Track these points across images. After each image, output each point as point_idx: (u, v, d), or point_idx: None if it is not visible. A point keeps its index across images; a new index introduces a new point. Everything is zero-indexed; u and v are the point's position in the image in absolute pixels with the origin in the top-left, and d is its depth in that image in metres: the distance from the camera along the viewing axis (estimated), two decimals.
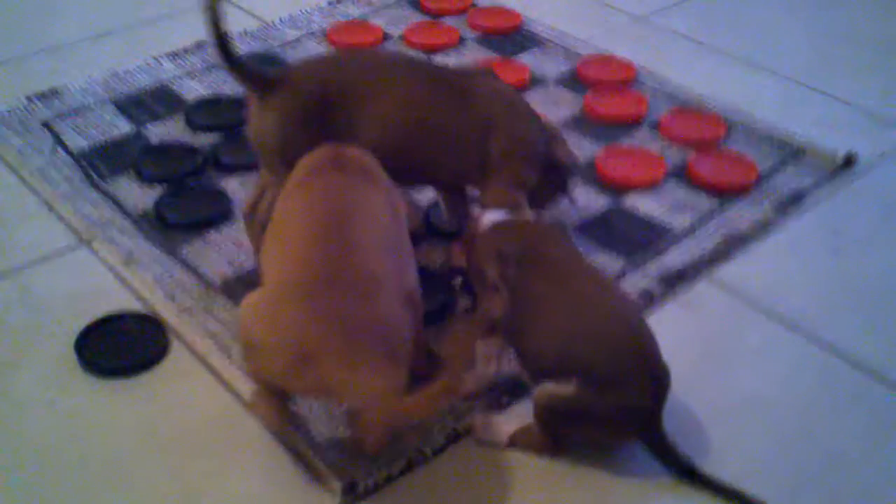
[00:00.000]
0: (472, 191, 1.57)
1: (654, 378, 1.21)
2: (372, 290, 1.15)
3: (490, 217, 1.40)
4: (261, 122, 1.44)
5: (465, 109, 1.47)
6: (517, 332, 1.28)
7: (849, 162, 1.85)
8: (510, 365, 1.36)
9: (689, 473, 1.22)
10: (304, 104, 1.42)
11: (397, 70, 1.49)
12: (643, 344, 1.22)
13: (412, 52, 2.19)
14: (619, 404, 1.19)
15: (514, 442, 1.28)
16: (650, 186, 1.78)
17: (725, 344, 1.48)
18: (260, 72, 1.46)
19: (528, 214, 1.45)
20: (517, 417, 1.31)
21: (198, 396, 1.36)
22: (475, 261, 1.36)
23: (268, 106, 1.43)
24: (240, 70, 1.42)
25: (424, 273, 1.49)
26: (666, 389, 1.22)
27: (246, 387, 1.33)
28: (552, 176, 1.55)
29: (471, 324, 1.34)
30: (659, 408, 1.22)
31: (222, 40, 1.38)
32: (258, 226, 1.49)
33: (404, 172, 1.46)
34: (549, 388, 1.21)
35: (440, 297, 1.50)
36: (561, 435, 1.26)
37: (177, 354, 1.43)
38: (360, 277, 1.16)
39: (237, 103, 1.98)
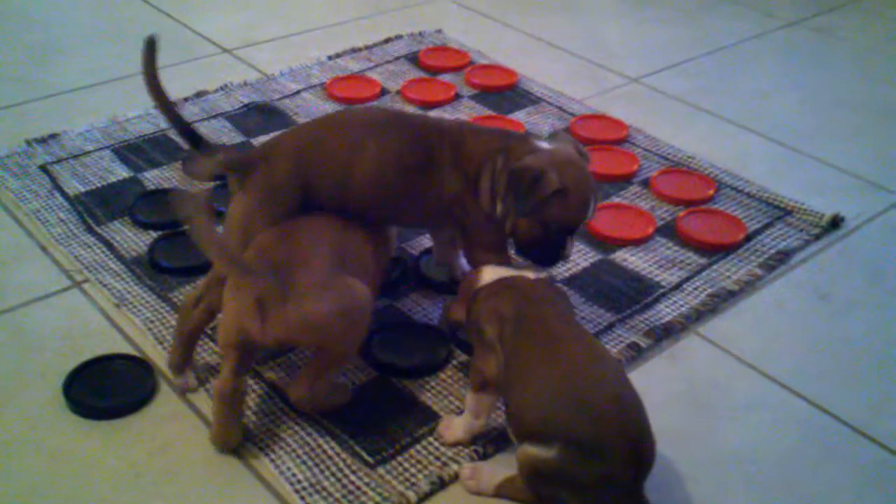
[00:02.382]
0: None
1: (637, 450, 1.19)
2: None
3: (490, 273, 1.40)
4: (236, 207, 1.45)
5: (431, 185, 1.47)
6: (506, 390, 1.28)
7: (835, 223, 1.88)
8: (496, 415, 1.37)
9: None
10: (282, 185, 1.43)
11: (373, 131, 1.47)
12: (628, 415, 1.20)
13: (409, 108, 2.23)
14: (598, 473, 1.17)
15: (501, 491, 1.28)
16: (640, 242, 1.80)
17: (711, 398, 1.49)
18: (237, 156, 1.49)
19: (526, 271, 1.42)
20: (503, 466, 1.31)
21: (184, 439, 1.36)
22: (474, 317, 1.35)
23: (247, 190, 1.44)
24: (213, 156, 1.46)
25: (421, 327, 1.57)
26: (649, 462, 1.21)
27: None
28: (557, 238, 1.47)
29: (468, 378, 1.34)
30: (640, 481, 1.20)
31: (187, 128, 1.48)
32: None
33: (392, 219, 1.54)
34: (531, 450, 1.21)
35: (439, 350, 1.52)
36: (544, 494, 1.24)
37: (164, 397, 1.44)
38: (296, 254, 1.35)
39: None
